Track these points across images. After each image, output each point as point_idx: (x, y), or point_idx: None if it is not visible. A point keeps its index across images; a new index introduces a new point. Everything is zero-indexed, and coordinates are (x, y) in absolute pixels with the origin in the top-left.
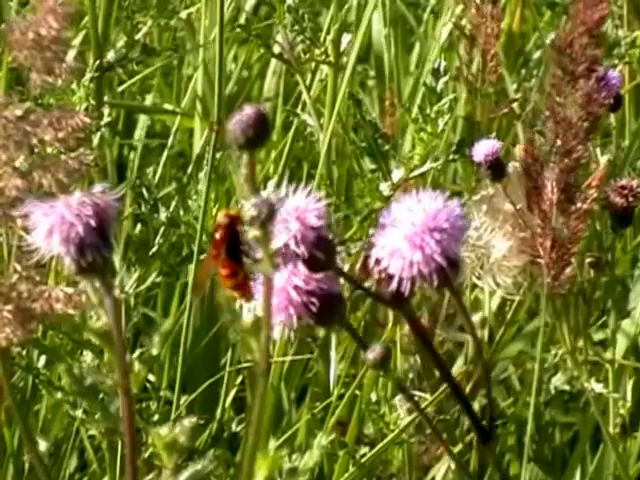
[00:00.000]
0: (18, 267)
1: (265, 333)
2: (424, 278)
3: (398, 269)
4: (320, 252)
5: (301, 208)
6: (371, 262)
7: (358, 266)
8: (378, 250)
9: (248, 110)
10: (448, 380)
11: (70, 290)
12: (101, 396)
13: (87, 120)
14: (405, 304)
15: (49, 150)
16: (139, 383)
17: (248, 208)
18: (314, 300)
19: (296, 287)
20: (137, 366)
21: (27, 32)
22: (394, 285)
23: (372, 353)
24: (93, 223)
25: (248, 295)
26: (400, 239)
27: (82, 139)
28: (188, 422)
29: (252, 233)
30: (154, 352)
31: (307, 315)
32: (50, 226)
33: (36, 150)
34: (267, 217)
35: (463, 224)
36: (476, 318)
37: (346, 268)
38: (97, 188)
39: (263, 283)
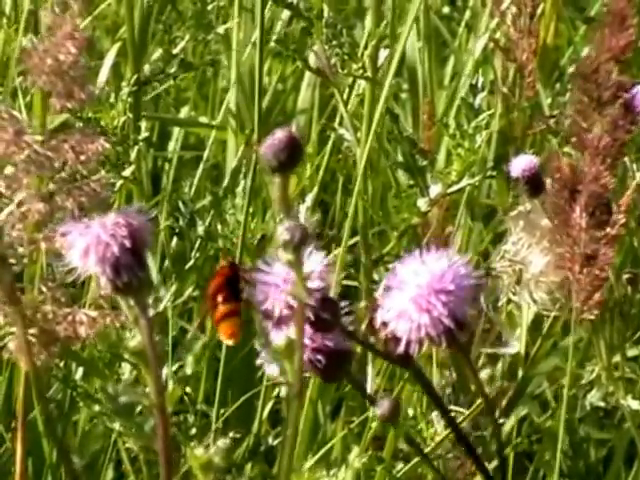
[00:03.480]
0: (44, 288)
1: (298, 355)
2: (432, 340)
3: (406, 331)
4: (326, 313)
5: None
6: (377, 322)
7: (364, 325)
8: (384, 312)
9: (280, 134)
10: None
11: (94, 314)
12: (138, 411)
13: (107, 145)
14: (413, 363)
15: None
16: (174, 401)
17: (281, 232)
18: (320, 357)
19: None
20: (172, 384)
21: (45, 58)
22: (402, 347)
23: (381, 408)
24: (128, 244)
25: (235, 333)
26: (406, 301)
27: (104, 161)
28: (223, 443)
29: (285, 257)
30: (188, 371)
31: (314, 372)
32: (86, 246)
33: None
34: (300, 241)
35: (469, 283)
36: (484, 375)
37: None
38: (131, 207)
39: (295, 307)
